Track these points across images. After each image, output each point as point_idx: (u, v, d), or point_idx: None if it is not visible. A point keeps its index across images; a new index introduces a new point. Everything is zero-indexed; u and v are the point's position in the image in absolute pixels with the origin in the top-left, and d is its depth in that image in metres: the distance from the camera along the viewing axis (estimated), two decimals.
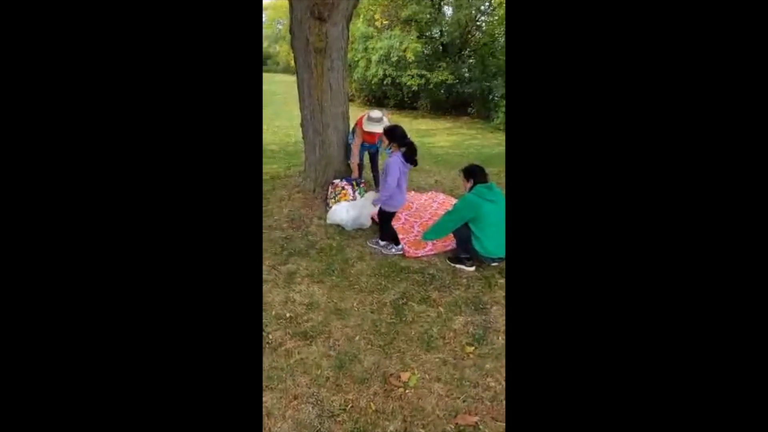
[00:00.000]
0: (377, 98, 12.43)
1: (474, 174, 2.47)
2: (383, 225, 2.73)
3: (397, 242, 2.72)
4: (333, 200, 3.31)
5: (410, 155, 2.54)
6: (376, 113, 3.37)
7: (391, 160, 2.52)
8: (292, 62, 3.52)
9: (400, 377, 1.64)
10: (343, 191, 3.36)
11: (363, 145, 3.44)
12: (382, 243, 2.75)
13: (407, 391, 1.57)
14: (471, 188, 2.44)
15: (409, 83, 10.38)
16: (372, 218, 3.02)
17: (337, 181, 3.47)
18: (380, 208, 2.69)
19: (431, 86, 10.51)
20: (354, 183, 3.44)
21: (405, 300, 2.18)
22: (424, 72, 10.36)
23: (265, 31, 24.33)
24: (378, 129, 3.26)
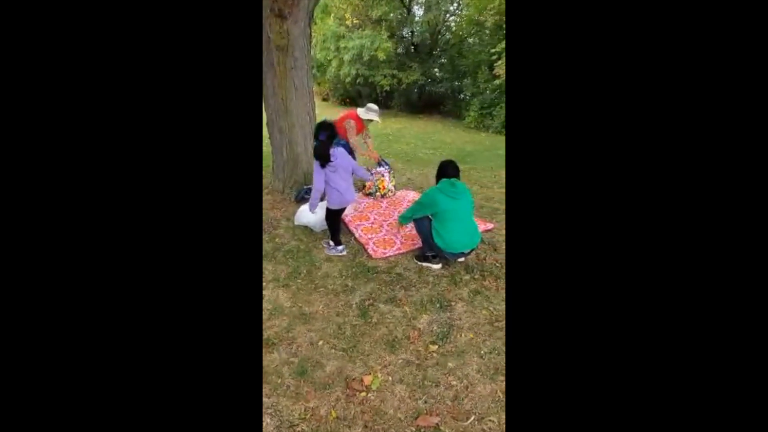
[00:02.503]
0: (352, 98, 12.35)
1: (444, 172, 2.44)
2: (327, 221, 2.66)
3: (337, 243, 2.65)
4: (378, 193, 3.64)
5: (316, 152, 2.43)
6: (373, 105, 3.67)
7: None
8: None
9: (363, 381, 1.60)
10: (382, 178, 3.63)
11: (339, 142, 3.37)
12: (331, 243, 2.70)
13: (369, 395, 1.54)
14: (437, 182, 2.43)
15: (381, 83, 10.36)
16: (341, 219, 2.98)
17: (375, 169, 3.70)
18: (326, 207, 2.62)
19: (404, 86, 10.54)
20: (387, 170, 3.71)
21: (371, 301, 2.14)
22: (395, 72, 10.36)
23: None
24: (377, 117, 3.61)
